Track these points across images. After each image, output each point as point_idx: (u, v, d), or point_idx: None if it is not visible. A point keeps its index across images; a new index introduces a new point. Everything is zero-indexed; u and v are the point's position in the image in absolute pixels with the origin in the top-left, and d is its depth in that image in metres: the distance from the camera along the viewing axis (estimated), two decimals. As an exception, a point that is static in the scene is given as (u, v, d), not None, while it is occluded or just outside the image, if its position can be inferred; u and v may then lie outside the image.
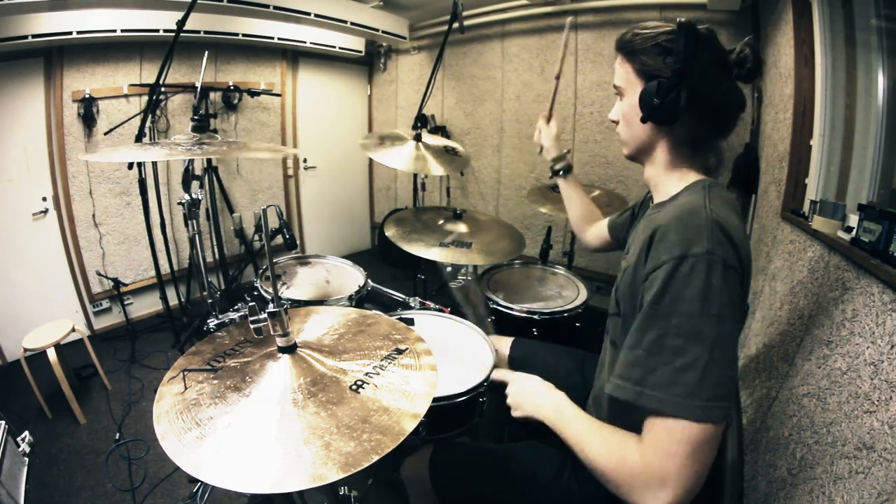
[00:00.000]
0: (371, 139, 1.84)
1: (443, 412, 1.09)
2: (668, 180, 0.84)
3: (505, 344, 1.34)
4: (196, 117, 1.27)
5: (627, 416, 0.79)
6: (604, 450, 0.71)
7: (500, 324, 1.64)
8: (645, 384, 0.64)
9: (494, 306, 1.65)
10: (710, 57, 0.75)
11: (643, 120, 0.79)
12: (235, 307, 1.41)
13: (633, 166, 2.92)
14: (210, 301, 1.48)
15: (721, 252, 0.64)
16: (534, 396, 0.92)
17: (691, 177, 0.81)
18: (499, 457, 0.99)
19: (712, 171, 0.84)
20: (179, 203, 1.51)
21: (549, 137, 1.41)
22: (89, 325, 2.97)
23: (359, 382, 0.76)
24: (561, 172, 1.38)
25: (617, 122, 0.88)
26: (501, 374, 1.02)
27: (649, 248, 0.71)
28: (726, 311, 0.63)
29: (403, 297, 1.81)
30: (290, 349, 0.82)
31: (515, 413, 0.93)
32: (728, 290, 0.63)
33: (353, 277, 1.83)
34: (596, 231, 1.36)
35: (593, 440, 0.74)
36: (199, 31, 2.87)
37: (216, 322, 1.34)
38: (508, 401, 0.95)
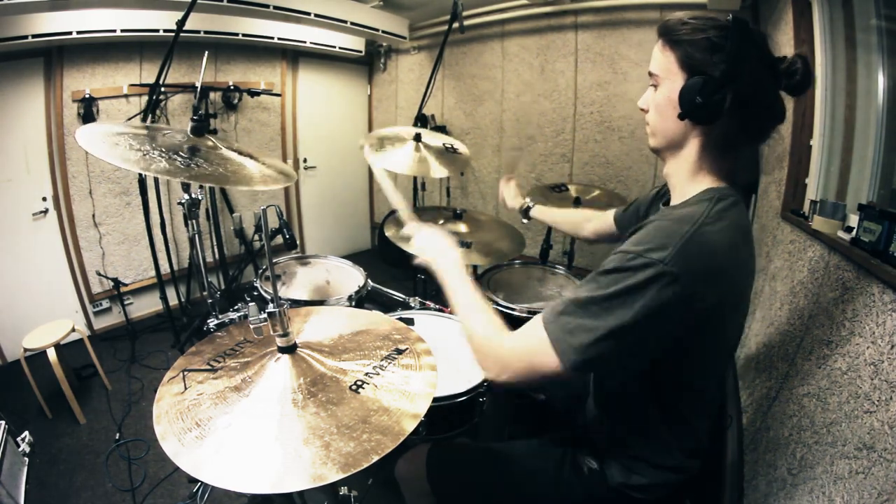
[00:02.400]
0: (370, 141, 1.83)
1: (443, 412, 1.09)
2: (688, 181, 0.80)
3: None
4: (196, 117, 1.26)
5: (631, 417, 0.80)
6: (484, 325, 0.78)
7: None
8: (555, 311, 0.71)
9: (494, 306, 1.65)
10: (760, 61, 0.72)
11: (681, 116, 0.74)
12: (235, 307, 1.41)
13: (633, 166, 2.94)
14: (210, 301, 1.48)
15: (676, 266, 0.63)
16: (431, 244, 0.97)
17: (709, 182, 0.78)
18: (496, 455, 0.99)
19: (737, 178, 0.80)
20: (179, 203, 1.51)
21: (510, 197, 1.65)
22: (89, 325, 2.97)
23: (359, 382, 0.76)
24: (528, 216, 1.61)
25: (645, 111, 0.83)
26: (408, 229, 1.05)
27: (632, 233, 0.74)
28: (640, 318, 0.64)
29: (403, 297, 1.81)
30: (290, 349, 0.82)
31: (417, 260, 0.98)
32: (663, 302, 0.63)
33: (353, 277, 1.83)
34: (595, 224, 1.38)
35: (477, 313, 0.80)
36: (199, 31, 2.87)
37: (216, 322, 1.34)
38: (413, 245, 1.00)
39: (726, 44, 0.70)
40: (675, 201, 0.82)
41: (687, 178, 0.80)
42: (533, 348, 0.70)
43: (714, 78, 0.70)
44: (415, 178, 3.02)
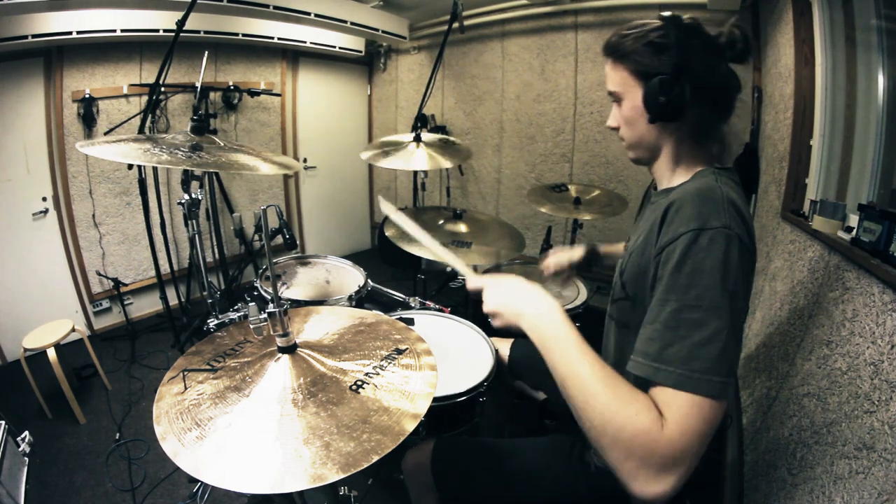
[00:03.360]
0: (372, 151, 1.87)
1: (443, 412, 1.09)
2: (673, 172, 0.82)
3: (504, 345, 1.34)
4: (196, 117, 1.27)
5: None
6: (616, 405, 0.59)
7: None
8: (661, 359, 0.60)
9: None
10: (702, 45, 0.75)
11: (651, 120, 0.77)
12: (235, 307, 1.41)
13: (633, 166, 2.93)
14: (210, 301, 1.48)
15: (737, 229, 0.63)
16: (515, 296, 0.74)
17: (697, 167, 0.80)
18: (502, 451, 0.99)
19: (717, 159, 0.82)
20: (179, 203, 1.51)
21: (567, 257, 1.35)
22: (89, 325, 2.96)
23: (359, 382, 0.76)
24: (595, 254, 1.35)
25: (616, 129, 0.85)
26: (476, 282, 0.81)
27: (662, 223, 0.69)
28: (740, 287, 0.62)
29: (403, 297, 1.81)
30: (290, 349, 0.82)
31: (495, 322, 0.76)
32: (743, 267, 0.63)
33: (353, 277, 1.83)
34: None
35: (600, 383, 0.61)
36: (199, 31, 2.87)
37: (216, 322, 1.34)
38: (485, 308, 0.77)
39: (668, 41, 0.73)
40: (662, 187, 0.84)
41: (670, 170, 0.82)
42: (690, 416, 0.57)
43: (669, 75, 0.72)
44: (415, 179, 3.02)
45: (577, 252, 1.34)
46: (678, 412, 0.57)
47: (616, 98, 0.82)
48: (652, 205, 0.86)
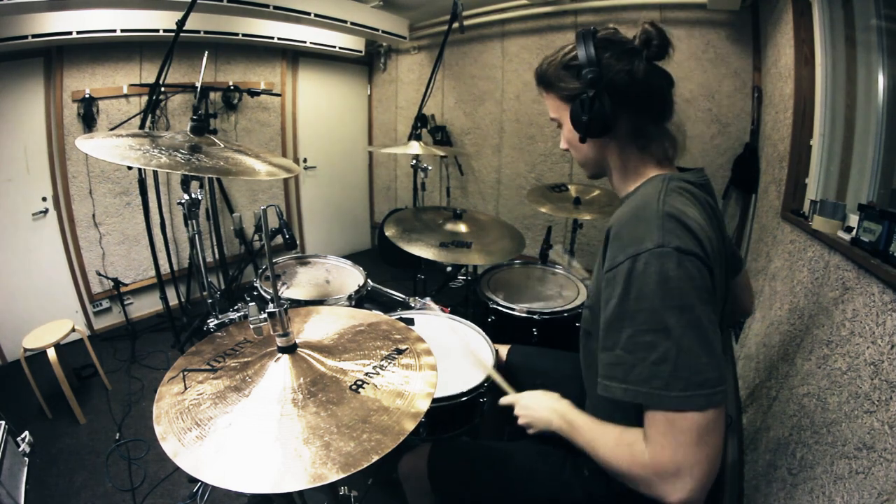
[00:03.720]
0: (375, 147, 1.89)
1: (443, 412, 1.09)
2: (627, 182, 0.85)
3: (502, 351, 1.34)
4: (195, 117, 1.27)
5: (623, 411, 0.79)
6: (614, 452, 0.71)
7: (500, 324, 1.64)
8: (628, 381, 0.65)
9: (494, 306, 1.65)
10: (615, 54, 0.76)
11: (582, 140, 0.81)
12: (235, 307, 1.41)
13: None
14: (210, 301, 1.48)
15: (674, 241, 0.65)
16: (539, 410, 0.91)
17: (649, 172, 0.82)
18: (498, 455, 0.99)
19: (670, 158, 0.84)
20: (179, 203, 1.51)
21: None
22: (89, 325, 2.96)
23: (359, 382, 0.76)
24: None
25: (567, 150, 0.90)
26: (507, 399, 1.00)
27: (606, 246, 0.73)
28: (689, 298, 0.63)
29: (403, 297, 1.81)
30: (290, 349, 0.82)
31: (530, 431, 0.92)
32: (688, 276, 0.64)
33: (353, 277, 1.83)
34: None
35: (603, 443, 0.73)
36: (199, 31, 2.87)
37: (216, 322, 1.34)
38: (520, 422, 0.94)
39: (579, 60, 0.76)
40: (622, 196, 0.87)
41: (626, 181, 0.85)
42: (665, 430, 0.63)
43: (585, 93, 0.76)
44: (414, 179, 3.01)
45: None
46: (654, 429, 0.64)
47: (559, 124, 0.87)
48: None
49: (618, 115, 0.77)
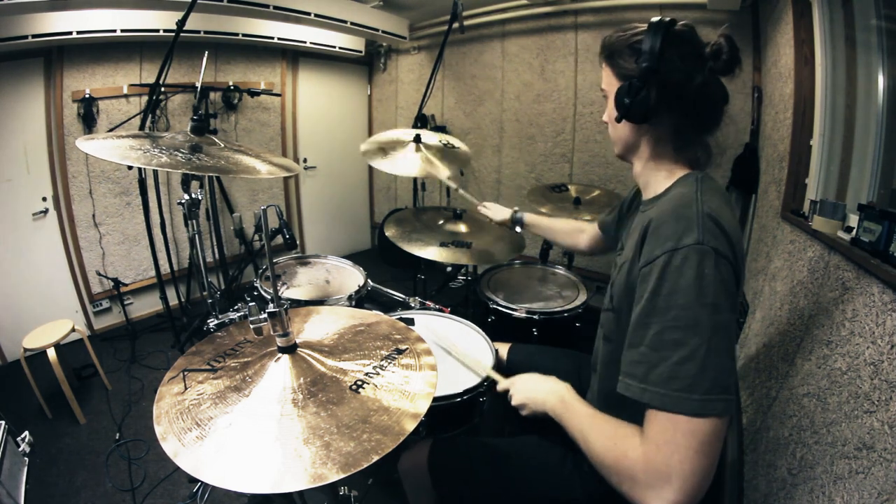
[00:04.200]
0: (371, 147, 1.85)
1: (443, 412, 1.09)
2: (656, 177, 0.84)
3: (502, 349, 1.34)
4: (195, 117, 1.26)
5: (626, 413, 0.79)
6: (606, 443, 0.69)
7: (500, 324, 1.64)
8: (648, 381, 0.64)
9: (494, 306, 1.65)
10: (681, 53, 0.75)
11: (618, 119, 0.81)
12: (235, 307, 1.41)
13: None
14: (210, 301, 1.48)
15: (712, 242, 0.64)
16: (535, 391, 0.91)
17: (679, 172, 0.82)
18: (499, 451, 0.99)
19: (701, 166, 0.84)
20: (179, 203, 1.51)
21: (495, 214, 1.62)
22: (89, 325, 2.97)
23: (359, 382, 0.76)
24: (518, 227, 1.57)
25: (606, 123, 0.90)
26: (502, 384, 1.02)
27: (643, 242, 0.72)
28: (721, 300, 0.63)
29: (403, 297, 1.81)
30: (291, 349, 0.82)
31: (524, 412, 0.92)
32: (721, 279, 0.63)
33: (353, 277, 1.83)
34: (587, 236, 1.38)
35: (595, 433, 0.72)
36: (199, 31, 2.87)
37: (216, 322, 1.34)
38: (513, 402, 0.95)
39: (645, 46, 0.75)
40: (648, 196, 0.87)
41: (654, 175, 0.85)
42: (668, 433, 0.61)
43: (636, 79, 0.75)
44: (415, 179, 3.02)
45: (500, 216, 1.60)
46: (654, 430, 0.63)
47: (605, 95, 0.87)
48: (641, 214, 0.88)
49: (661, 111, 0.77)
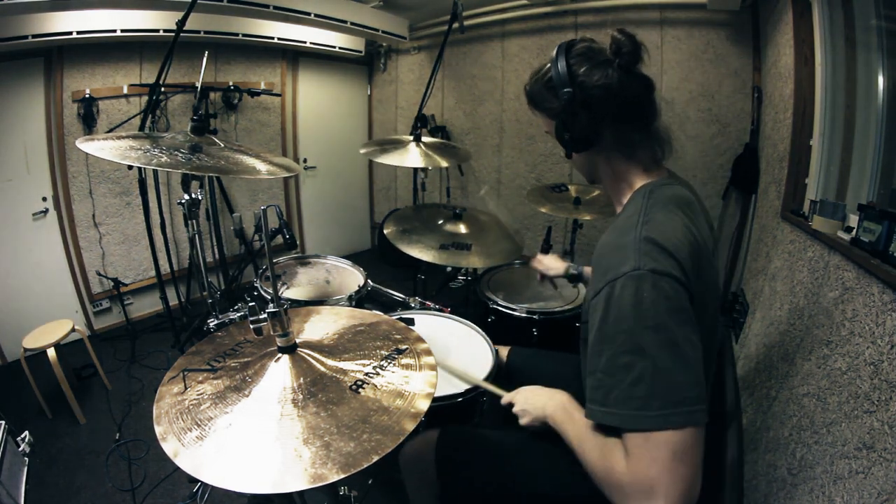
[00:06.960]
0: (370, 147, 1.86)
1: (443, 412, 1.09)
2: (620, 192, 0.87)
3: (503, 352, 1.34)
4: (196, 117, 1.26)
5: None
6: (596, 455, 0.71)
7: (501, 324, 1.64)
8: (607, 404, 0.67)
9: (494, 306, 1.65)
10: (589, 67, 0.77)
11: (568, 155, 0.85)
12: (235, 307, 1.41)
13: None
14: (210, 301, 1.48)
15: (649, 264, 0.66)
16: (537, 399, 0.92)
17: (637, 181, 0.83)
18: (507, 445, 0.98)
19: (660, 159, 0.85)
20: (179, 203, 1.51)
21: (549, 267, 1.53)
22: (89, 324, 2.97)
23: (359, 382, 0.76)
24: (579, 280, 1.50)
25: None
26: (506, 397, 1.02)
27: (593, 272, 0.75)
28: (663, 318, 0.64)
29: (403, 297, 1.81)
30: (290, 349, 0.82)
31: (523, 420, 0.93)
32: (664, 296, 0.64)
33: (353, 277, 1.83)
34: None
35: (589, 444, 0.74)
36: (199, 31, 2.87)
37: (216, 322, 1.34)
38: (515, 409, 0.96)
39: (556, 79, 0.77)
40: (618, 211, 0.89)
41: (617, 189, 0.87)
42: (641, 449, 0.63)
43: (563, 111, 0.78)
44: (415, 179, 3.01)
45: (555, 268, 1.51)
46: (630, 444, 0.65)
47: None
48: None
49: (599, 129, 0.79)
